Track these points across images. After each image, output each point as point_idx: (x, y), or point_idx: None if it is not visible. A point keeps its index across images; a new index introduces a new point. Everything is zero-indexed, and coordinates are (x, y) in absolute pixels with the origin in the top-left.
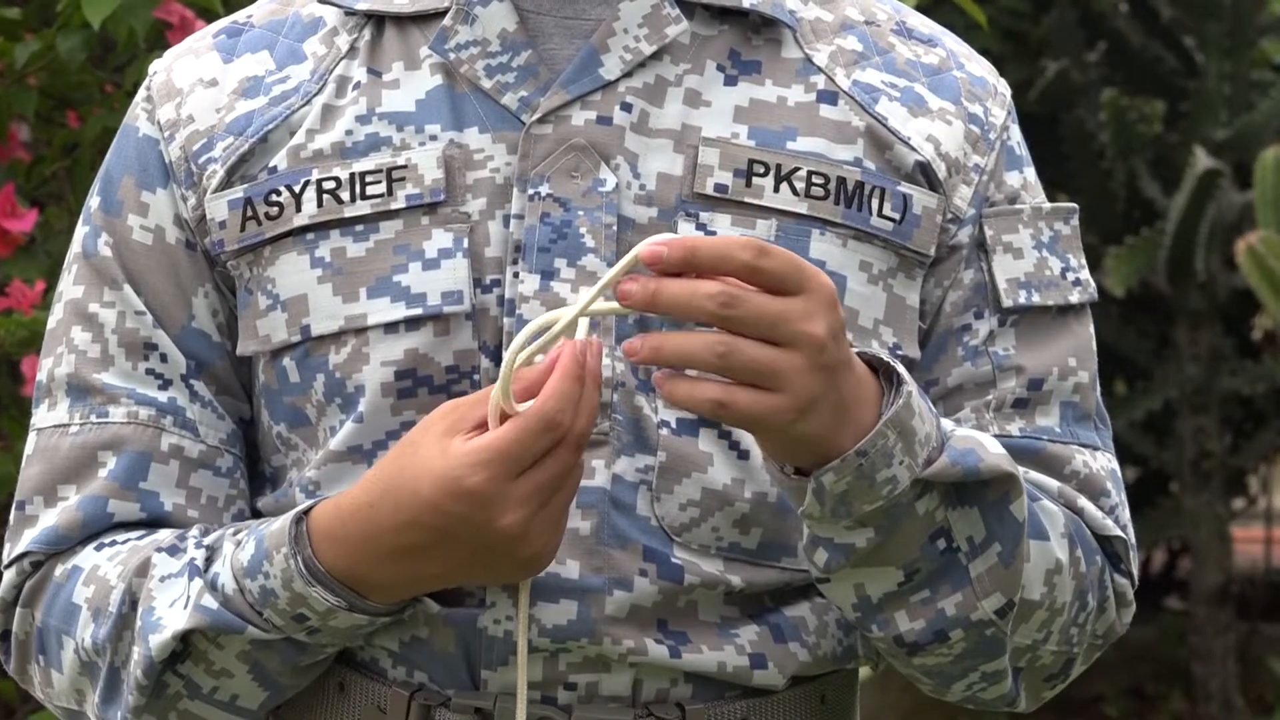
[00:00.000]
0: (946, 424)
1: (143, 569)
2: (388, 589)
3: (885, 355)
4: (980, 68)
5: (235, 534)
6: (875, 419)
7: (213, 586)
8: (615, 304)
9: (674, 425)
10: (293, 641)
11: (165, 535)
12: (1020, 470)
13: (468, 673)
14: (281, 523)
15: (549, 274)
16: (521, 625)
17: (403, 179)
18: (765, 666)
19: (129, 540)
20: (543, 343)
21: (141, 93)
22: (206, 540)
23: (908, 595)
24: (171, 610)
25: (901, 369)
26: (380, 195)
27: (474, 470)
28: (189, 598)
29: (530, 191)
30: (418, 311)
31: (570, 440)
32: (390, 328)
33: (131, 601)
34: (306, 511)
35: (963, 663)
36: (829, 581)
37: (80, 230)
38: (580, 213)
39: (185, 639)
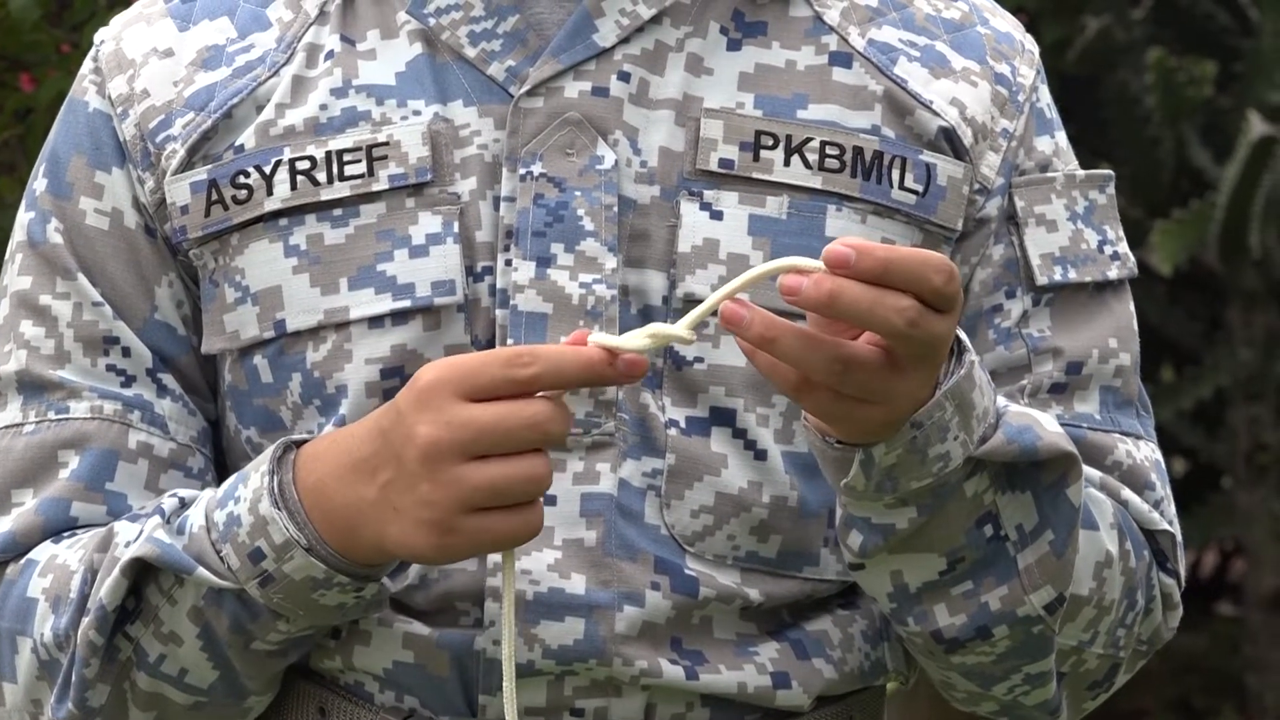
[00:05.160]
0: (1000, 400)
1: (105, 542)
2: (338, 515)
3: None
4: (1006, 23)
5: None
6: (931, 388)
7: (177, 527)
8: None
9: (683, 425)
10: (244, 602)
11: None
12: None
13: (463, 698)
14: (273, 446)
15: (545, 260)
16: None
17: (385, 157)
18: (789, 686)
19: (91, 529)
20: (699, 313)
21: (88, 64)
22: (183, 493)
23: (949, 586)
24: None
25: (964, 337)
26: (360, 176)
27: (432, 368)
28: (141, 533)
29: (521, 171)
30: (405, 304)
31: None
32: (375, 322)
33: (94, 580)
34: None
35: (1005, 662)
36: (863, 568)
37: (24, 216)
38: (577, 193)
39: (139, 594)
